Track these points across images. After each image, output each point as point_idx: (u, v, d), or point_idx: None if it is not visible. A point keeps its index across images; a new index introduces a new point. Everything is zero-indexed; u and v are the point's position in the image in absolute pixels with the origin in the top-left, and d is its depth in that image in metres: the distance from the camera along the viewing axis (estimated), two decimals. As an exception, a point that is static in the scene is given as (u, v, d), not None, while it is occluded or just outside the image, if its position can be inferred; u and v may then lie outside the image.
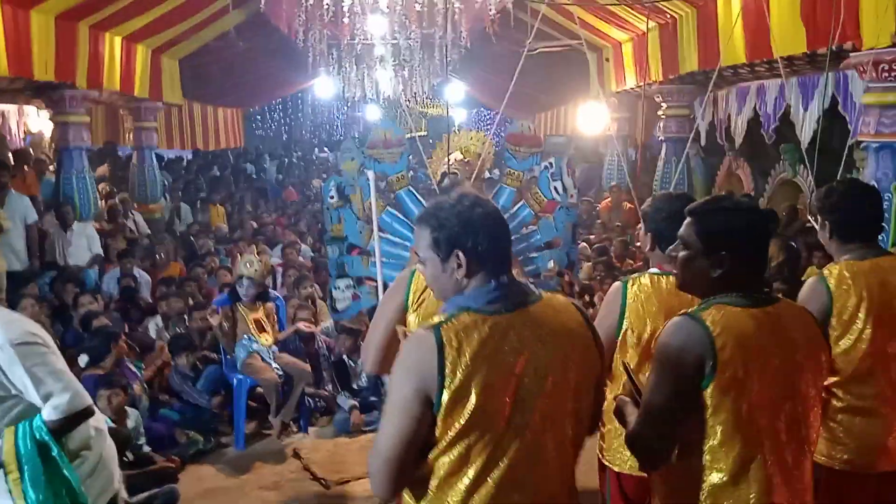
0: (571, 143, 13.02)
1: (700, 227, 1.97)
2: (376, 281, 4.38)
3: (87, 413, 2.52)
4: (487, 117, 23.07)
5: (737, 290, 1.93)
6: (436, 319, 1.68)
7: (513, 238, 5.11)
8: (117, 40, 8.04)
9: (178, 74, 10.19)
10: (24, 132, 10.10)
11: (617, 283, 2.61)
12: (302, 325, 5.64)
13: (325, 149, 23.20)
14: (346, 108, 23.04)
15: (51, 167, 8.80)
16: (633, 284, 2.52)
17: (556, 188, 5.37)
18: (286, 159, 18.16)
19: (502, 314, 1.69)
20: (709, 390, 1.86)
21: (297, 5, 8.02)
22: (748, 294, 1.93)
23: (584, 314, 1.82)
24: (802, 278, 4.75)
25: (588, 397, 1.77)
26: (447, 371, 1.60)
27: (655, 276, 2.52)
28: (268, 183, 15.03)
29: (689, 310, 1.95)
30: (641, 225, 2.68)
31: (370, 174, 4.38)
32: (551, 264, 5.25)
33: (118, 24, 7.77)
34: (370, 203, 4.44)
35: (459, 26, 8.79)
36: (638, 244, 7.03)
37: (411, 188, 5.21)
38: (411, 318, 2.39)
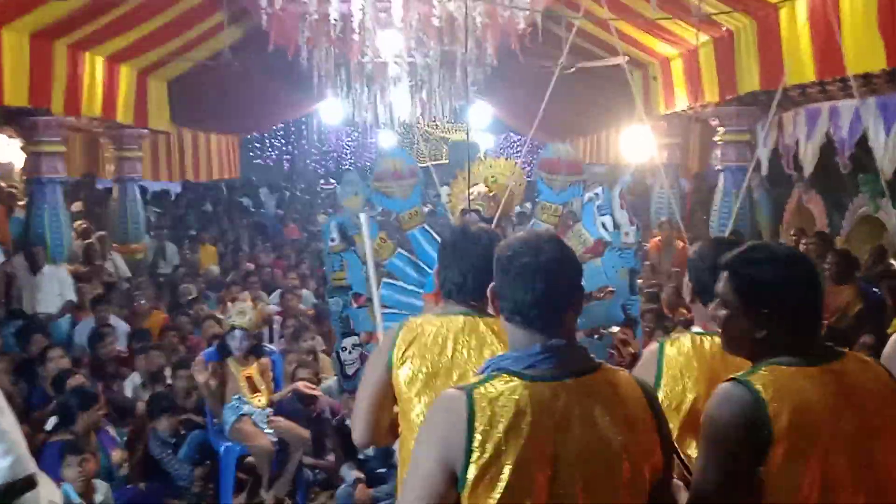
0: (630, 170, 13.04)
1: (735, 283, 1.97)
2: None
3: (28, 483, 2.49)
4: (518, 143, 23.22)
5: (788, 352, 1.91)
6: (472, 380, 1.70)
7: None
8: (99, 61, 8.26)
9: (167, 98, 10.40)
10: (-7, 163, 10.34)
11: (653, 345, 2.60)
12: (301, 385, 5.62)
13: (332, 180, 23.42)
14: (356, 134, 23.31)
15: (21, 202, 8.97)
16: (671, 345, 2.51)
17: (604, 224, 5.03)
18: (287, 192, 18.37)
19: (547, 382, 1.68)
20: (765, 469, 1.82)
21: (301, 21, 8.17)
22: (802, 352, 1.91)
23: (651, 396, 1.83)
24: (889, 330, 4.65)
25: (642, 494, 1.74)
26: (475, 444, 1.60)
27: (698, 337, 2.49)
28: (266, 219, 15.18)
29: (737, 375, 1.93)
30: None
31: (362, 217, 4.29)
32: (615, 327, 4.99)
33: (100, 43, 7.99)
34: (377, 245, 4.42)
35: (484, 42, 8.89)
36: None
37: (426, 226, 5.15)
38: (401, 372, 2.40)
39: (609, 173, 12.95)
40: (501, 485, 1.60)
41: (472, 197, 5.33)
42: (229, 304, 5.56)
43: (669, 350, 2.49)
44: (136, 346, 6.75)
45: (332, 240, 4.93)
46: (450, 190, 5.73)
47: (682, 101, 8.84)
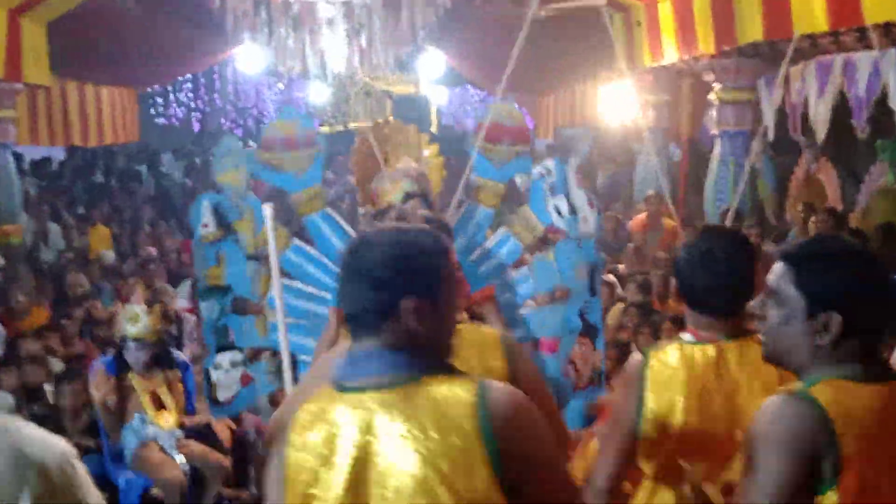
0: (590, 137, 13.09)
1: (803, 280, 1.98)
2: (278, 354, 4.10)
3: None
4: (476, 99, 23.19)
5: (847, 362, 1.94)
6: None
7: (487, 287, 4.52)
8: (-41, -1, 7.99)
9: (46, 44, 10.13)
10: None
11: (637, 356, 2.64)
12: (215, 421, 5.46)
13: (252, 143, 23.13)
14: (280, 86, 23.03)
15: None
16: (656, 357, 2.55)
17: (557, 207, 4.75)
18: (197, 158, 18.09)
19: (352, 393, 1.85)
20: (827, 497, 1.85)
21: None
22: (867, 365, 1.95)
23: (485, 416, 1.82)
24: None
25: None
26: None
27: (688, 346, 2.54)
28: (171, 191, 14.94)
29: (792, 386, 1.96)
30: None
31: (266, 209, 3.97)
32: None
33: (-39, -23, 7.72)
34: (264, 236, 4.17)
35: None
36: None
37: (329, 211, 4.73)
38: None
39: (584, 136, 13.03)
40: None
41: (392, 173, 4.99)
42: (121, 305, 5.42)
43: (655, 362, 2.53)
44: (13, 352, 6.60)
45: (205, 225, 4.55)
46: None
47: (671, 53, 8.89)
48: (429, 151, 5.17)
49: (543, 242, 4.81)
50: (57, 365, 6.53)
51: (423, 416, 1.78)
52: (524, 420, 1.83)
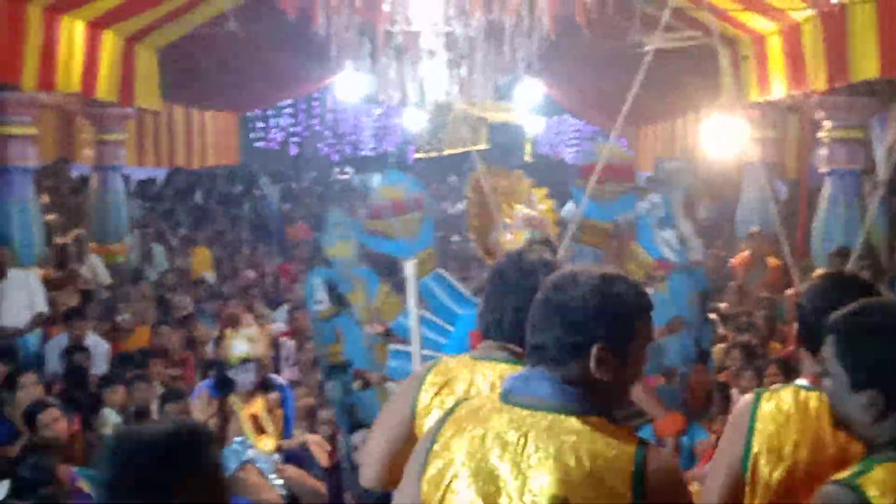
0: (689, 171, 12.90)
1: (845, 354, 1.96)
2: None
3: None
4: (573, 128, 23.13)
5: None
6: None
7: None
8: (79, 26, 8.34)
9: (157, 70, 10.49)
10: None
11: (748, 396, 2.60)
12: (313, 445, 5.46)
13: (348, 169, 23.48)
14: (377, 113, 23.33)
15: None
16: (768, 400, 2.50)
17: (667, 241, 4.80)
18: (293, 183, 18.43)
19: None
20: None
21: (321, -20, 8.21)
22: None
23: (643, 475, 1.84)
24: None
25: None
26: None
27: (802, 392, 2.49)
28: (269, 215, 15.23)
29: (845, 473, 1.91)
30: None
31: (409, 267, 4.00)
32: None
33: (80, 5, 8.06)
34: (379, 304, 4.15)
35: (538, 11, 8.88)
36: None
37: (441, 272, 4.74)
38: (427, 420, 2.42)
39: (686, 170, 12.84)
40: None
41: (512, 223, 4.99)
42: (229, 328, 5.54)
43: (766, 405, 2.48)
44: (117, 372, 6.79)
45: (319, 302, 4.62)
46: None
47: (779, 88, 8.75)
48: (536, 195, 5.19)
49: (651, 278, 4.79)
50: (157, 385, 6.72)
51: (579, 453, 1.83)
52: (678, 497, 1.89)
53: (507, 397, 1.94)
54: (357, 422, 4.55)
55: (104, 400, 6.30)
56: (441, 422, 2.01)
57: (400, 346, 4.47)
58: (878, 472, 1.85)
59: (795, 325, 2.69)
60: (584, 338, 1.87)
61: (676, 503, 1.88)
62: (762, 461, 2.44)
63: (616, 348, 1.89)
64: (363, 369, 4.55)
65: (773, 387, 2.60)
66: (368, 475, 2.57)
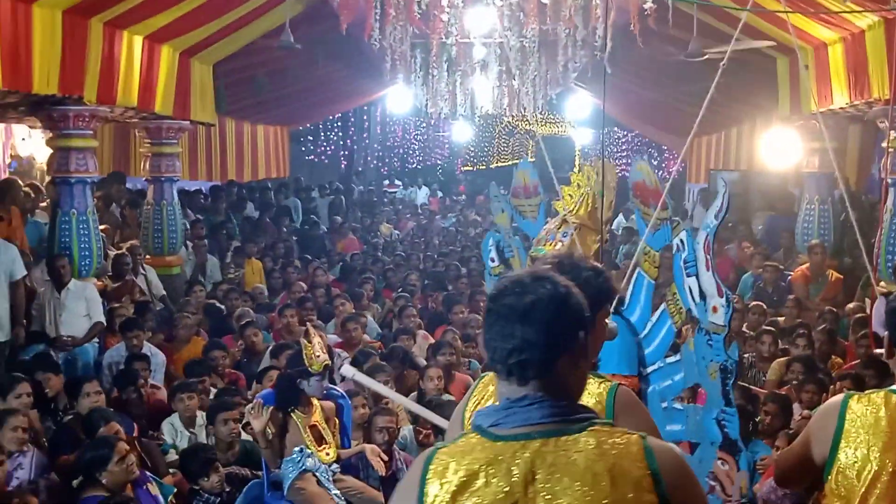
0: (727, 184, 12.80)
1: None
2: None
3: None
4: (622, 140, 23.05)
5: None
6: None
7: (650, 371, 4.38)
8: (137, 41, 8.50)
9: (212, 84, 10.64)
10: (11, 156, 10.72)
11: (836, 397, 2.61)
12: (370, 453, 5.57)
13: (397, 181, 23.58)
14: (424, 126, 23.42)
15: (42, 204, 9.25)
16: (858, 401, 2.53)
17: (690, 289, 4.15)
18: (343, 196, 18.55)
19: (508, 441, 1.86)
20: None
21: (377, -6, 8.28)
22: None
23: (660, 475, 1.85)
24: None
25: None
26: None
27: (894, 396, 2.51)
28: (318, 227, 15.31)
29: None
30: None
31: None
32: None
33: (141, 20, 8.21)
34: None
35: (594, 22, 8.87)
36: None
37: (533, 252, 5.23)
38: None
39: (741, 181, 12.74)
40: None
41: (543, 237, 5.28)
42: (305, 340, 5.62)
43: (856, 405, 2.52)
44: (175, 382, 6.89)
45: (492, 260, 5.19)
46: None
47: (840, 97, 8.64)
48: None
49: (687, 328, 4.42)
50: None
51: (593, 464, 1.82)
52: (688, 475, 1.93)
53: (496, 435, 1.88)
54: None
55: (174, 407, 6.41)
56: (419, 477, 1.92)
57: None
58: None
59: (886, 334, 2.66)
60: (556, 349, 1.89)
61: (690, 481, 1.94)
62: (849, 459, 2.47)
63: (578, 352, 1.93)
64: None
65: (869, 392, 2.61)
66: None
